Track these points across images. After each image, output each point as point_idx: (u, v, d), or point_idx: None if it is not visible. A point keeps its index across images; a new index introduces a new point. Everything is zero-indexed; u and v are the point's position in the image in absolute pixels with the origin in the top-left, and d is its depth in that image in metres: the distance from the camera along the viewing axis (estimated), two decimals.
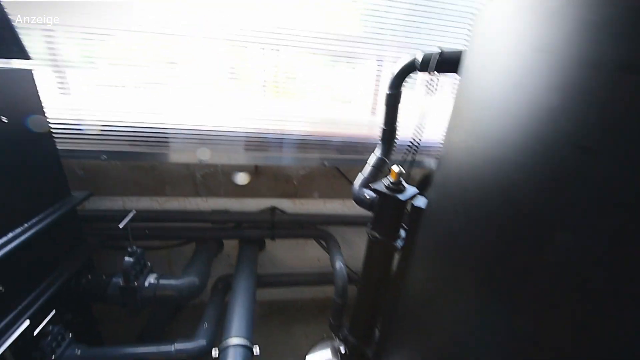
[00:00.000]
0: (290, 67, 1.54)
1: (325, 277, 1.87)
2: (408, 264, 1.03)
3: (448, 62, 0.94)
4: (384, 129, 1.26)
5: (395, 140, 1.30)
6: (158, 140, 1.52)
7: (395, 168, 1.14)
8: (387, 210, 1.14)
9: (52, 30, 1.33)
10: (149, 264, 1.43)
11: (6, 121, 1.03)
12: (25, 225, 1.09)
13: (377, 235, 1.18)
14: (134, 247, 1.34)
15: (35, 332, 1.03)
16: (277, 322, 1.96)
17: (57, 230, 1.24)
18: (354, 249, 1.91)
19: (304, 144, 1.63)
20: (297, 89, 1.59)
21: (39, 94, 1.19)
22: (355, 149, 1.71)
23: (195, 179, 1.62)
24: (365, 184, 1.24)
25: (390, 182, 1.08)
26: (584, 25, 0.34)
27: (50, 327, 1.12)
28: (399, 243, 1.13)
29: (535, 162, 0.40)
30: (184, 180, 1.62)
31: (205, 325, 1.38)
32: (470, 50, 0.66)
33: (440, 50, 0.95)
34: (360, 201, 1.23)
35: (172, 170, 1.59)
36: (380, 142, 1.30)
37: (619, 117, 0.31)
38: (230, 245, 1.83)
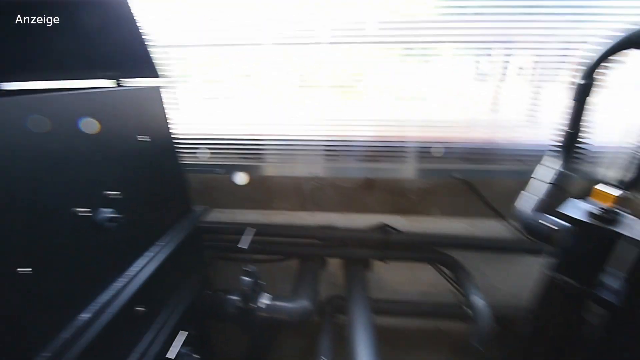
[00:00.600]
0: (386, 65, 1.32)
1: (444, 309, 1.58)
2: (624, 328, 0.72)
3: None
4: (567, 132, 0.95)
5: (581, 146, 0.97)
6: (266, 152, 1.46)
7: (604, 188, 0.83)
8: (590, 247, 0.83)
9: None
10: (262, 282, 1.36)
11: (149, 140, 1.03)
12: (162, 243, 1.09)
13: (566, 279, 0.88)
14: (252, 266, 1.28)
15: (173, 356, 1.00)
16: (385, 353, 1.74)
17: (183, 246, 1.24)
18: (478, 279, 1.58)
19: (423, 152, 1.39)
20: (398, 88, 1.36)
21: (165, 110, 1.20)
22: (486, 156, 1.41)
23: (303, 192, 1.52)
24: (543, 207, 0.94)
25: (601, 208, 0.77)
26: None
27: (180, 349, 1.10)
28: (605, 294, 0.82)
29: None
30: (292, 193, 1.53)
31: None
32: None
33: None
34: (535, 231, 0.94)
35: (281, 183, 1.51)
36: (555, 149, 0.99)
37: None
38: (333, 263, 1.68)
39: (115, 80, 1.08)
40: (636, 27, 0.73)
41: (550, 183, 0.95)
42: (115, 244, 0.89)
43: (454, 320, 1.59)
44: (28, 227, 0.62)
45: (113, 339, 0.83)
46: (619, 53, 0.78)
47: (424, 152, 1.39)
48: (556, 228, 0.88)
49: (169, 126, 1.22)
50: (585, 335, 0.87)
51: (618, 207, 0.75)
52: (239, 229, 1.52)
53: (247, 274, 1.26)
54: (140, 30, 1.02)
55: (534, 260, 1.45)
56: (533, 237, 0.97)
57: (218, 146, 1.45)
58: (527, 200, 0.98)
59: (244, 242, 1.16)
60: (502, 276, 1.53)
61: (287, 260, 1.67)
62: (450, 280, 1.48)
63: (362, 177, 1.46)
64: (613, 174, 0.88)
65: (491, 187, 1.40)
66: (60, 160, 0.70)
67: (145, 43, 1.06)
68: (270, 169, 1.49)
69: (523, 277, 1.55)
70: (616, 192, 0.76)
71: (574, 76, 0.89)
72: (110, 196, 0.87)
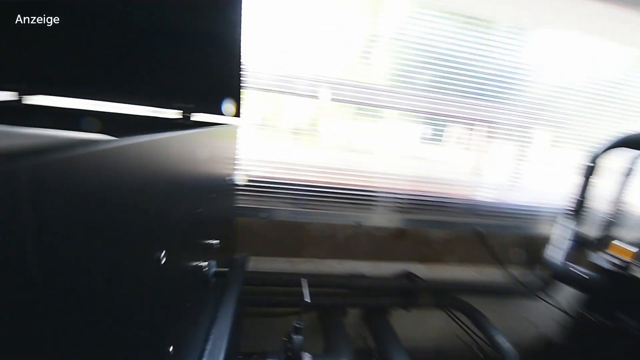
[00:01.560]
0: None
1: (468, 355, 1.68)
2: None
3: None
4: (578, 200, 1.24)
5: (587, 211, 1.27)
6: (307, 199, 1.47)
7: (621, 244, 1.09)
8: (615, 290, 1.06)
9: None
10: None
11: (234, 181, 0.97)
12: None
13: (596, 315, 1.09)
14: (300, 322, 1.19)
15: None
16: None
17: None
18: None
19: (448, 206, 1.60)
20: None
21: (237, 150, 1.15)
22: (498, 213, 1.67)
23: (336, 240, 1.53)
24: (570, 258, 1.18)
25: (622, 260, 1.03)
26: None
27: None
28: (628, 327, 1.04)
29: None
30: (325, 241, 1.52)
31: None
32: None
33: None
34: (566, 276, 1.16)
35: (316, 230, 1.50)
36: (568, 212, 1.27)
37: None
38: (352, 313, 1.66)
39: (181, 110, 0.99)
40: (628, 133, 1.08)
41: (571, 240, 1.21)
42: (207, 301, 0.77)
43: None
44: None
45: None
46: (614, 149, 1.13)
47: (447, 205, 1.59)
48: (587, 275, 1.11)
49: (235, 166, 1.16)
50: None
51: (634, 259, 1.01)
52: (270, 278, 1.42)
53: (296, 330, 1.17)
54: (241, 74, 0.98)
55: (524, 303, 1.71)
56: (563, 282, 1.19)
57: (257, 189, 1.40)
58: (555, 252, 1.21)
59: (306, 295, 1.10)
60: (502, 318, 1.74)
61: (309, 312, 1.59)
62: (464, 326, 1.61)
63: (394, 227, 1.56)
64: (620, 233, 1.17)
65: (489, 238, 1.66)
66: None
67: (241, 77, 1.00)
68: (307, 215, 1.48)
69: (518, 319, 1.78)
70: (632, 248, 1.03)
71: (584, 160, 1.21)
72: (214, 246, 0.78)
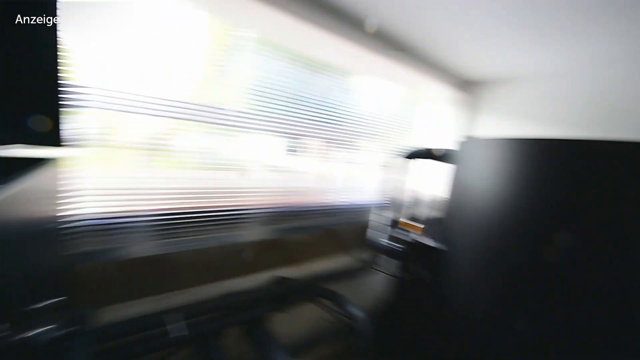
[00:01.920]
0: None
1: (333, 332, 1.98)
2: (435, 295, 1.49)
3: (435, 156, 1.60)
4: (387, 194, 1.76)
5: (394, 201, 1.81)
6: (168, 227, 1.40)
7: (409, 222, 1.63)
8: (414, 254, 1.58)
9: None
10: None
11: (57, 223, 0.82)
12: None
13: (405, 274, 1.60)
14: None
15: None
16: None
17: None
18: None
19: (307, 212, 1.89)
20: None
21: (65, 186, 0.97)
22: (341, 211, 2.10)
23: (208, 263, 1.52)
24: (384, 236, 1.66)
25: (413, 233, 1.56)
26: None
27: None
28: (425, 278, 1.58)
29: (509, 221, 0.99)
30: (195, 268, 1.48)
31: None
32: (461, 158, 1.30)
33: (431, 148, 1.60)
34: (385, 251, 1.63)
35: (184, 259, 1.44)
36: (378, 204, 1.78)
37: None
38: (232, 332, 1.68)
39: None
40: (416, 149, 1.64)
41: (383, 223, 1.70)
42: None
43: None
44: None
45: None
46: (413, 158, 1.69)
47: (306, 211, 1.88)
48: (395, 247, 1.60)
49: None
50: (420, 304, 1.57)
51: (422, 233, 1.55)
52: (131, 326, 1.26)
53: None
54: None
55: (368, 277, 2.22)
56: (384, 255, 1.65)
57: (104, 227, 1.22)
58: (374, 234, 1.68)
59: (175, 330, 1.04)
60: (355, 293, 2.19)
61: (185, 347, 1.49)
62: (332, 309, 1.94)
63: (263, 239, 1.70)
64: (414, 214, 1.74)
65: (338, 233, 2.08)
66: None
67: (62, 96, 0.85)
68: (170, 245, 1.40)
69: (365, 290, 2.28)
70: (418, 224, 1.57)
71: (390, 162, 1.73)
72: (45, 308, 0.66)
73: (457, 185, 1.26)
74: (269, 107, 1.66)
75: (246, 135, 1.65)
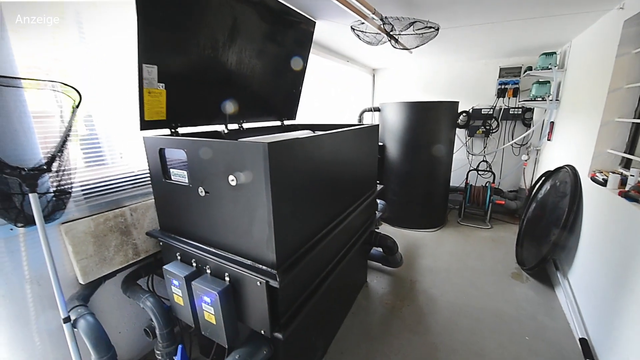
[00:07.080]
0: None
1: None
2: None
3: (375, 110, 3.72)
4: None
5: None
6: None
7: None
8: None
9: None
10: None
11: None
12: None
13: None
14: None
15: None
16: None
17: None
18: None
19: None
20: None
21: None
22: None
23: None
24: None
25: None
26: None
27: None
28: None
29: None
30: None
31: None
32: (384, 110, 3.54)
33: (372, 106, 3.74)
34: None
35: None
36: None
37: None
38: None
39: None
40: (369, 106, 3.71)
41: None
42: None
43: None
44: None
45: None
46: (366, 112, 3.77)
47: None
48: None
49: None
50: None
51: None
52: None
53: None
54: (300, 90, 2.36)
55: None
56: None
57: None
58: None
59: None
60: None
61: None
62: None
63: None
64: None
65: None
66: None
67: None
68: None
69: None
70: None
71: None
72: None
73: (382, 123, 3.47)
74: None
75: None
